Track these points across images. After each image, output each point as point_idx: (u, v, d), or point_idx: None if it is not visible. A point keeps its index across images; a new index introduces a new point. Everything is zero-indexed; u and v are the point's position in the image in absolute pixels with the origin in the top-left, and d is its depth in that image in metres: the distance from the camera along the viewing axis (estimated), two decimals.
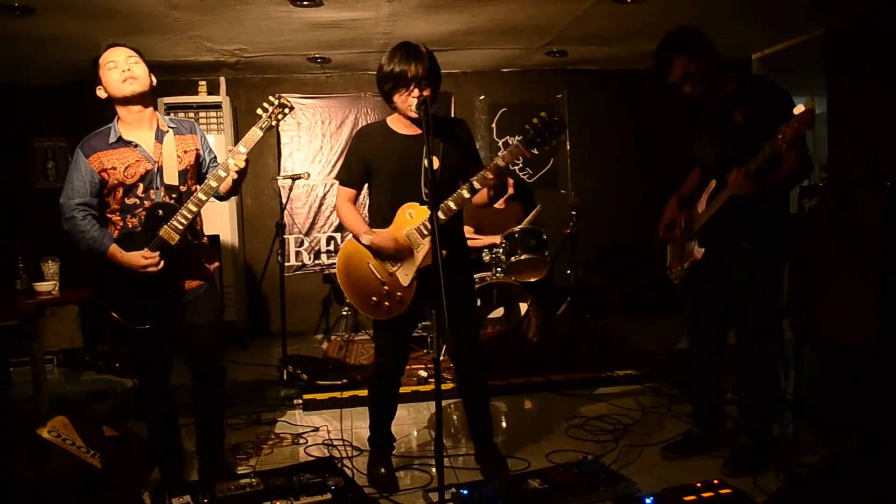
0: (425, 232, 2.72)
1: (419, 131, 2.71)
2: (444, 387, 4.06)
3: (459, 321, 2.86)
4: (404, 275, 2.77)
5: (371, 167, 2.84)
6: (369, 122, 6.29)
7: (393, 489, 2.90)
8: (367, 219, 2.92)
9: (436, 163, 2.77)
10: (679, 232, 3.17)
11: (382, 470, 2.97)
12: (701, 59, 2.79)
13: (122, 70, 2.69)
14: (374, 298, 2.80)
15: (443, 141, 2.82)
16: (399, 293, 2.79)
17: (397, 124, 2.86)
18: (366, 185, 2.94)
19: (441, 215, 2.68)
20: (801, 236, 3.12)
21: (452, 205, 2.70)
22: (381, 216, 2.85)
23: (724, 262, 2.94)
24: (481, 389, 3.08)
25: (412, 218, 2.77)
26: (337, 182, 2.95)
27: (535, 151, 2.70)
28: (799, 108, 2.44)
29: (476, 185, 2.67)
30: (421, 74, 2.64)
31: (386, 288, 2.79)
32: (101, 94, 2.74)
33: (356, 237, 2.83)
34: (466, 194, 2.69)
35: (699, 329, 3.17)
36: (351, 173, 2.89)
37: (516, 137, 2.77)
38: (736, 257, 2.89)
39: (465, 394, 3.10)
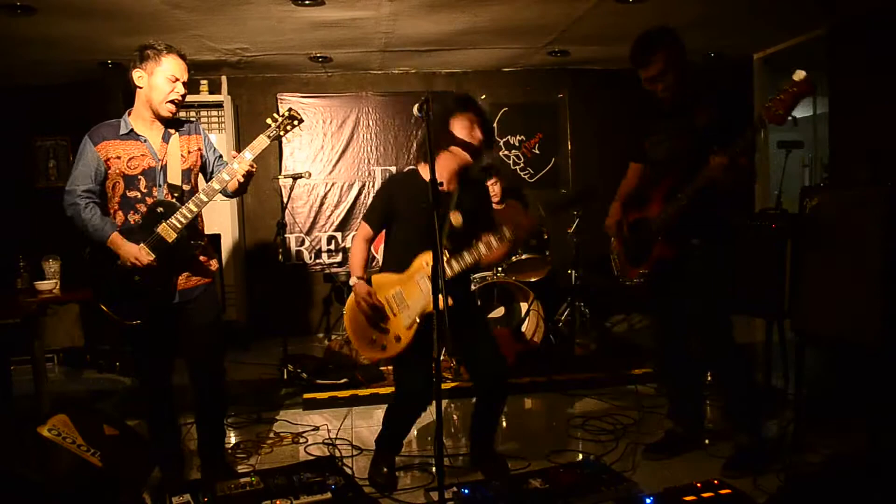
0: None
1: (451, 188, 2.91)
2: (444, 386, 4.07)
3: (487, 349, 2.95)
4: (406, 316, 2.83)
5: (396, 213, 2.91)
6: (370, 121, 6.35)
7: (392, 488, 2.90)
8: (382, 257, 3.06)
9: (459, 219, 2.88)
10: (626, 236, 3.17)
11: (384, 469, 2.98)
12: (678, 60, 2.87)
13: (178, 93, 2.72)
14: (374, 337, 2.87)
15: (468, 200, 2.95)
16: (398, 333, 2.84)
17: (426, 172, 2.89)
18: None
19: (455, 266, 2.79)
20: (801, 236, 3.13)
21: (468, 257, 2.80)
22: (397, 259, 2.91)
23: (680, 262, 2.95)
24: (499, 409, 3.08)
25: (427, 266, 2.74)
26: (362, 219, 3.01)
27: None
28: (799, 75, 2.47)
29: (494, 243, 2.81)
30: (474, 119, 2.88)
31: (384, 326, 2.85)
32: (139, 81, 2.72)
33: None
34: (484, 249, 2.80)
35: (669, 330, 3.19)
36: (376, 216, 2.95)
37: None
38: (692, 257, 2.92)
39: (480, 408, 3.07)
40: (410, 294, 2.84)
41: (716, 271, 2.93)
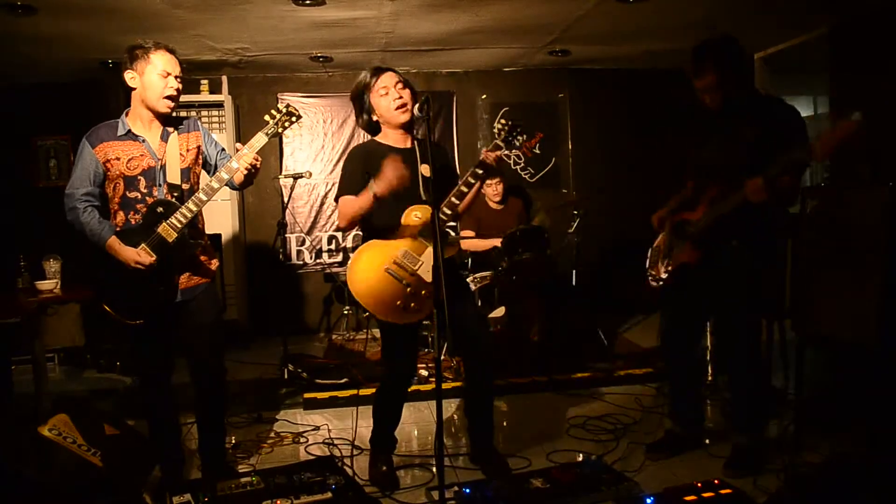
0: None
1: (409, 144, 2.91)
2: (444, 386, 4.07)
3: (472, 319, 2.95)
4: (426, 272, 2.77)
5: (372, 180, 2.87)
6: None
7: (394, 487, 2.90)
8: (364, 230, 3.02)
9: (428, 170, 2.85)
10: (667, 234, 3.19)
11: (384, 468, 2.98)
12: (731, 75, 2.84)
13: (172, 87, 2.72)
14: (399, 302, 2.78)
15: (432, 155, 2.88)
16: (423, 291, 2.78)
17: (388, 139, 2.95)
18: None
19: (448, 211, 2.80)
20: (801, 236, 3.13)
21: (448, 210, 2.81)
22: (385, 224, 2.86)
23: (712, 261, 2.96)
24: (489, 389, 3.09)
25: (419, 218, 2.82)
26: (338, 198, 2.93)
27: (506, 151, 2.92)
28: (856, 115, 2.41)
29: (464, 189, 2.82)
30: (397, 79, 2.85)
31: (409, 289, 2.78)
32: (132, 82, 2.72)
33: (371, 198, 2.76)
34: (456, 200, 2.82)
35: (678, 329, 3.20)
36: (356, 186, 2.86)
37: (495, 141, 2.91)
38: (727, 256, 2.92)
39: (471, 392, 3.10)
40: (419, 249, 2.79)
41: (746, 272, 2.91)
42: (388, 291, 2.78)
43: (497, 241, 4.82)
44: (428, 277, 2.76)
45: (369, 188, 2.76)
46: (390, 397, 3.05)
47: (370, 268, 2.80)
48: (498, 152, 2.85)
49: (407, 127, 2.93)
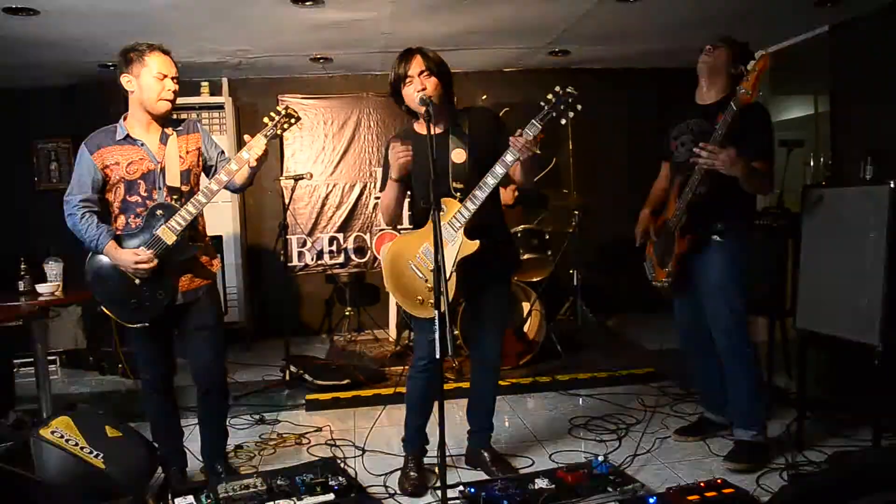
0: (457, 224, 2.73)
1: (439, 130, 2.81)
2: (446, 387, 4.06)
3: (491, 308, 2.98)
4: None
5: (409, 171, 2.83)
6: (372, 122, 6.36)
7: (422, 493, 2.87)
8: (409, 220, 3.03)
9: (462, 155, 2.81)
10: (653, 243, 3.23)
11: (412, 475, 2.94)
12: (734, 63, 2.96)
13: (168, 89, 2.71)
14: (420, 298, 2.79)
15: (469, 131, 2.84)
16: None
17: (422, 127, 2.87)
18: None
19: (470, 206, 2.68)
20: (801, 235, 3.13)
21: (479, 193, 2.68)
22: (418, 216, 2.92)
23: (699, 253, 3.00)
24: (495, 382, 3.09)
25: (443, 213, 2.75)
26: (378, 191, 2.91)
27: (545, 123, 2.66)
28: (759, 54, 2.69)
29: (499, 170, 2.66)
30: (421, 68, 2.73)
31: (429, 285, 2.74)
32: (128, 85, 2.72)
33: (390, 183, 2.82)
34: (491, 180, 2.67)
35: (692, 326, 3.22)
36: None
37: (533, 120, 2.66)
38: (708, 253, 2.98)
39: (476, 384, 3.10)
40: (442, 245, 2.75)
41: (731, 263, 2.96)
42: (411, 285, 2.80)
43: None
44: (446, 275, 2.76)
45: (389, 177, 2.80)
46: (417, 385, 2.99)
47: (398, 260, 2.83)
48: (539, 133, 2.62)
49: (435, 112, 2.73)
